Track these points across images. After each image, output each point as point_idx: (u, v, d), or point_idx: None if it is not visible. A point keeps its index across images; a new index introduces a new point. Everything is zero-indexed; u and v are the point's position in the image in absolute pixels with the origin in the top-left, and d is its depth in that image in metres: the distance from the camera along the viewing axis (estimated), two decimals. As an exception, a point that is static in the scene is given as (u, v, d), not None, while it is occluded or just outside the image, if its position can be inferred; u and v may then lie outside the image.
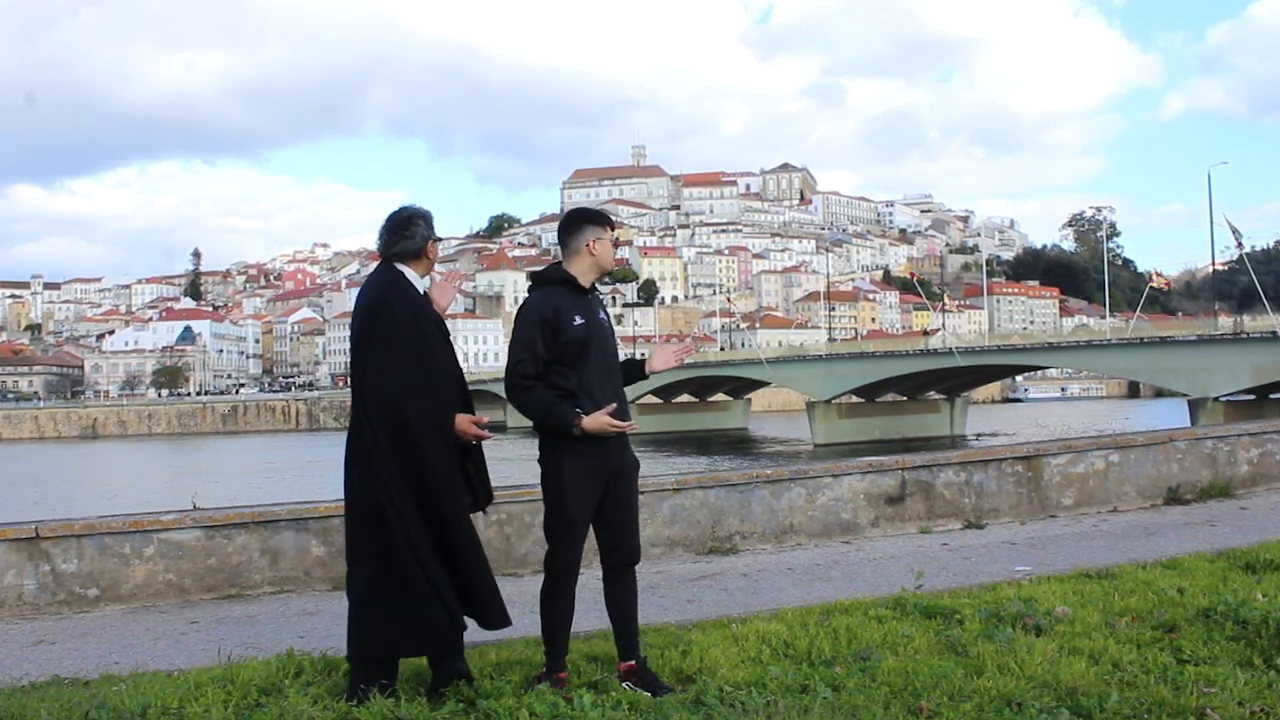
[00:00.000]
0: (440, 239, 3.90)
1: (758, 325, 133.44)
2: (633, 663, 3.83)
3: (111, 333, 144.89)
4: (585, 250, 3.90)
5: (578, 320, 3.79)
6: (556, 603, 3.84)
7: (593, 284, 3.94)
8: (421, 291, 3.87)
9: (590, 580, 4.06)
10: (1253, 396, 44.45)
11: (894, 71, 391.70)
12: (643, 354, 4.51)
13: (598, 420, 3.73)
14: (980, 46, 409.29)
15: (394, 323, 3.77)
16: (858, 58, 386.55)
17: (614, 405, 3.78)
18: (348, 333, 3.98)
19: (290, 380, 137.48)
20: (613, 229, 3.95)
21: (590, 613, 4.44)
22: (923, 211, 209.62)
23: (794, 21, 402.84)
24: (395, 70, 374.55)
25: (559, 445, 3.78)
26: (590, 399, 3.76)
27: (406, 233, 3.88)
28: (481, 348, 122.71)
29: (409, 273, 3.87)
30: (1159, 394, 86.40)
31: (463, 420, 3.79)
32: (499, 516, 6.58)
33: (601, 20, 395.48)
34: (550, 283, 3.89)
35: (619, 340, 4.09)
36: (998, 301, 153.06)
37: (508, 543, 6.63)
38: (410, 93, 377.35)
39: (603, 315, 3.93)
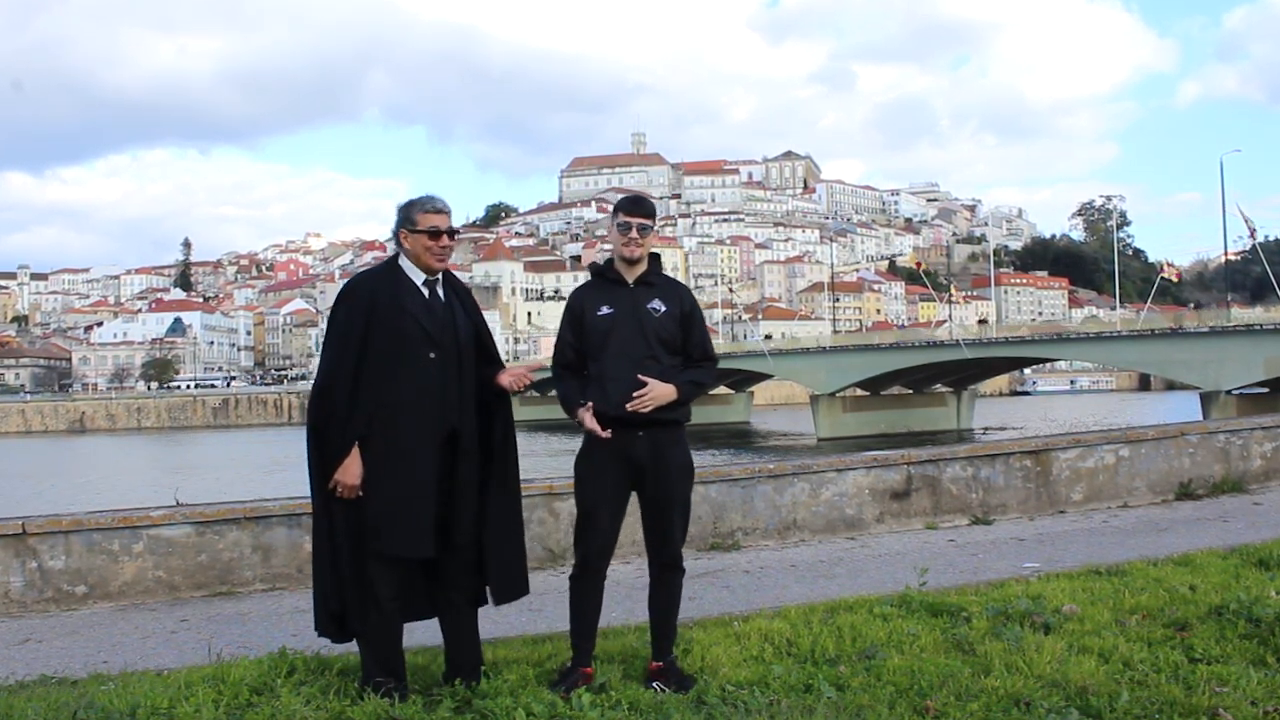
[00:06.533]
0: (418, 229, 3.66)
1: (760, 316, 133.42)
2: (660, 663, 3.78)
3: (100, 324, 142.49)
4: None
5: (603, 310, 3.76)
6: (576, 594, 3.80)
7: (644, 274, 3.79)
8: (419, 282, 3.66)
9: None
10: (1266, 389, 44.43)
11: (906, 57, 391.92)
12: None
13: (581, 418, 3.71)
14: (995, 31, 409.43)
15: None
16: (869, 42, 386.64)
17: (590, 405, 3.69)
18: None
19: (282, 373, 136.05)
20: (626, 214, 3.77)
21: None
22: (929, 200, 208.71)
23: (805, 4, 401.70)
24: (394, 55, 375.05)
25: (586, 434, 3.80)
26: (600, 389, 3.71)
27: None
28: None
29: (404, 263, 3.70)
30: (1170, 387, 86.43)
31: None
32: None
33: (606, 2, 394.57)
34: (592, 274, 3.92)
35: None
36: (1005, 292, 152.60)
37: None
38: (409, 79, 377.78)
39: (654, 305, 3.76)
